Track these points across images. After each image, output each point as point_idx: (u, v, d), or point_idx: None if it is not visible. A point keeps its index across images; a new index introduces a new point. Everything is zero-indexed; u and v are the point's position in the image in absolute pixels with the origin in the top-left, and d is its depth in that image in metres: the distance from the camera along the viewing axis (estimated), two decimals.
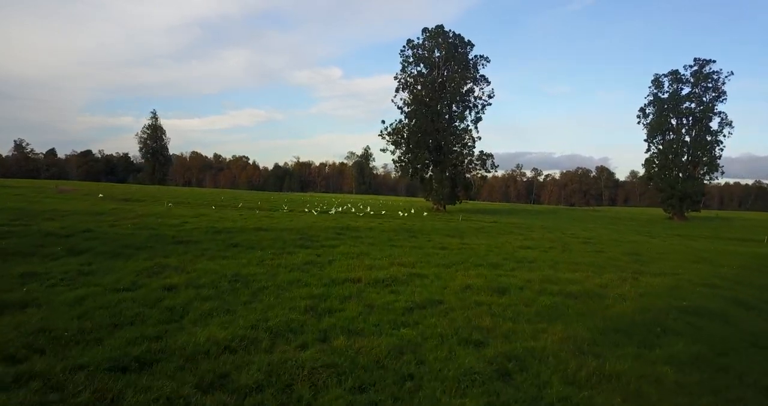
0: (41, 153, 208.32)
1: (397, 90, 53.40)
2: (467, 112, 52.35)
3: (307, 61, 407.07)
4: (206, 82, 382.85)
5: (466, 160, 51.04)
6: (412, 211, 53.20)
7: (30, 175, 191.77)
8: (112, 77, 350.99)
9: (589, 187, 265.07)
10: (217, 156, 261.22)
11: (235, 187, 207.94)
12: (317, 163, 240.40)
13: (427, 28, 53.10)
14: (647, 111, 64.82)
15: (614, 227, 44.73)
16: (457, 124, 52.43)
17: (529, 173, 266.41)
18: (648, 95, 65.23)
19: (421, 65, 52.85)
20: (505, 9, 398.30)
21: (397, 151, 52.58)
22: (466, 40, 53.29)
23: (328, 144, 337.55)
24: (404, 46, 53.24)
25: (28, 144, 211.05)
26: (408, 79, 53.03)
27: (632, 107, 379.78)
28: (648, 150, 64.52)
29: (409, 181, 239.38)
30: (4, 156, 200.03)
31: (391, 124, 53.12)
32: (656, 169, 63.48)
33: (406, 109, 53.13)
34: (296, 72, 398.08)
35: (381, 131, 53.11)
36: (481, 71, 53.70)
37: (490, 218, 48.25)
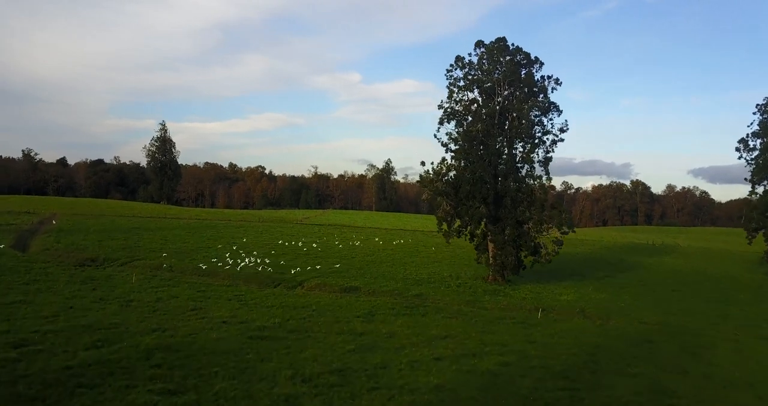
0: (53, 161, 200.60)
1: (441, 121, 41.27)
2: (535, 150, 40.06)
3: (326, 66, 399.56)
4: (227, 86, 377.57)
5: (534, 216, 38.71)
6: (457, 279, 41.12)
7: (37, 186, 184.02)
8: (135, 81, 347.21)
9: (624, 202, 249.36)
10: (232, 166, 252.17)
11: (250, 201, 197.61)
12: (335, 176, 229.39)
13: (483, 42, 40.97)
14: (752, 143, 51.52)
15: None
16: (521, 166, 40.14)
17: (558, 186, 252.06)
18: (754, 123, 51.94)
19: (476, 90, 40.71)
20: (525, 13, 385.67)
21: (443, 203, 40.56)
22: (533, 56, 41.10)
23: (347, 149, 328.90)
24: (451, 65, 41.15)
25: (36, 154, 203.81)
26: (457, 107, 40.93)
27: (654, 113, 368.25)
28: (753, 193, 51.20)
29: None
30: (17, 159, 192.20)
31: (432, 165, 41.09)
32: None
33: (453, 145, 41.08)
34: (315, 77, 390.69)
35: (421, 176, 41.18)
36: (552, 96, 41.49)
37: (584, 287, 35.14)
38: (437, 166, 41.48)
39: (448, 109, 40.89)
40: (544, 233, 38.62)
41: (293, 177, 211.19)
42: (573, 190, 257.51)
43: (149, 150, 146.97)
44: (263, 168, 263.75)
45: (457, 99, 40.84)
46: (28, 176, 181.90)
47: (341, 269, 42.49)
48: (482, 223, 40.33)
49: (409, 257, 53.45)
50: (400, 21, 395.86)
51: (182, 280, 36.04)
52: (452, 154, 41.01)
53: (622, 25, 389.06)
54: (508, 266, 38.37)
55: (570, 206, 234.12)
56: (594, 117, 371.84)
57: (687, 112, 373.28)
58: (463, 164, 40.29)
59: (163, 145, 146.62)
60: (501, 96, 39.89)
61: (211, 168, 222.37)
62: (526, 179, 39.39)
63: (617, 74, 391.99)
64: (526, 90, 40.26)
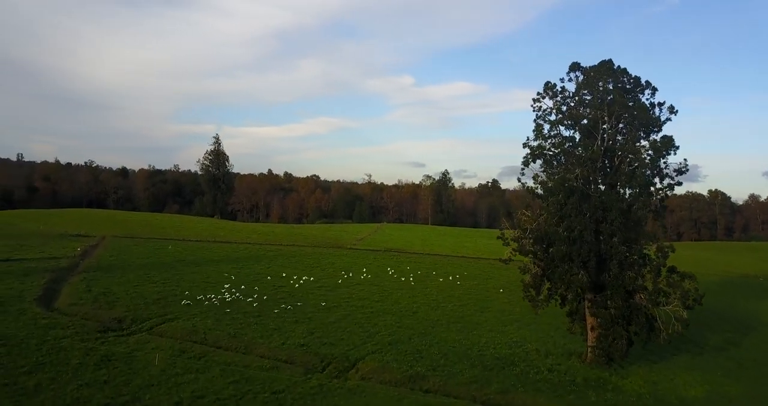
0: (117, 166, 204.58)
1: (525, 162, 33.56)
2: (648, 199, 31.76)
3: (379, 70, 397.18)
4: (282, 91, 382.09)
5: (648, 285, 30.49)
6: (547, 357, 33.27)
7: (98, 197, 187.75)
8: (195, 88, 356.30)
9: (701, 213, 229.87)
10: (287, 175, 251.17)
11: (304, 213, 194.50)
12: (388, 182, 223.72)
13: (579, 65, 32.98)
14: None
15: None
16: (631, 221, 31.85)
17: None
18: None
19: (572, 125, 32.83)
20: (583, 11, 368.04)
21: (530, 265, 32.95)
22: (642, 81, 32.81)
23: (399, 151, 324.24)
24: (539, 94, 33.43)
25: (98, 165, 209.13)
26: (546, 146, 33.18)
27: (722, 112, 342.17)
28: None
29: (492, 205, 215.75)
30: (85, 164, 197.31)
31: (516, 215, 33.52)
32: None
33: (540, 190, 33.40)
34: (368, 80, 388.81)
35: (501, 232, 33.73)
36: (665, 129, 33.06)
37: None
38: (521, 217, 33.90)
39: (536, 149, 33.14)
40: (662, 307, 30.21)
41: (347, 188, 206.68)
42: None
43: (203, 163, 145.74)
44: (317, 177, 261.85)
45: (548, 136, 33.07)
46: (91, 187, 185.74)
47: (402, 337, 35.54)
48: (580, 290, 32.38)
49: (479, 311, 45.89)
50: (453, 22, 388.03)
51: (214, 358, 30.12)
52: (541, 200, 33.33)
53: (686, 20, 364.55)
54: (616, 353, 30.27)
55: None
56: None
57: (759, 110, 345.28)
58: (556, 220, 32.42)
59: (217, 158, 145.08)
60: (605, 132, 31.79)
61: (266, 178, 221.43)
62: (638, 238, 31.06)
63: (679, 73, 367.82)
64: (636, 123, 32.02)
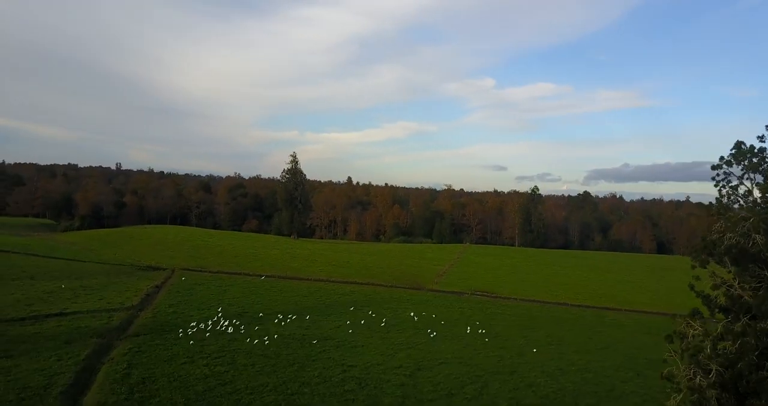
0: (199, 175, 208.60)
1: (700, 259, 22.80)
2: None
3: (458, 73, 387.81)
4: (362, 97, 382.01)
5: None
6: None
7: (181, 213, 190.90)
8: (277, 95, 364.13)
9: None
10: (366, 188, 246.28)
11: (381, 229, 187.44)
12: (468, 189, 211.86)
13: None
14: None
15: None
16: None
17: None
18: None
19: None
20: (672, 7, 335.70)
21: (707, 381, 22.09)
22: None
23: (479, 154, 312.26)
24: (722, 159, 22.45)
25: (187, 174, 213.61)
26: (730, 236, 22.20)
27: None
28: None
29: (584, 222, 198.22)
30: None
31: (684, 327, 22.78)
32: None
33: (723, 299, 22.51)
34: (447, 84, 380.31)
35: (667, 372, 23.12)
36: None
37: None
38: (685, 330, 23.10)
39: (716, 238, 22.23)
40: None
41: (426, 203, 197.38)
42: None
43: (280, 182, 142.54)
44: (395, 187, 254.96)
45: (735, 219, 22.08)
46: (175, 202, 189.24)
47: None
48: None
49: None
50: (535, 22, 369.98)
51: None
52: (723, 314, 22.44)
53: None
54: None
55: None
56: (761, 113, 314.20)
57: None
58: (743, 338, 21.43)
59: (294, 177, 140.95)
60: None
61: (344, 191, 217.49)
62: None
63: None
64: None
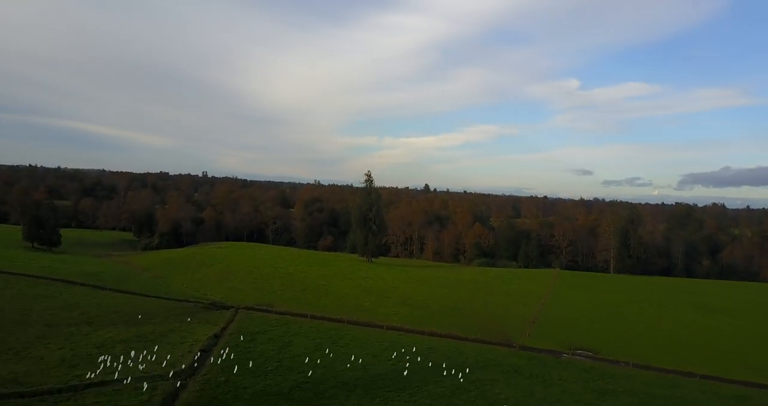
0: (282, 182, 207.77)
1: None
2: None
3: (541, 75, 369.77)
4: (442, 101, 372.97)
5: None
6: None
7: (258, 229, 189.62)
8: (359, 102, 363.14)
9: None
10: (443, 201, 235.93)
11: (461, 248, 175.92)
12: (552, 196, 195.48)
13: None
14: None
15: None
16: None
17: None
18: None
19: None
20: None
21: None
22: None
23: (562, 158, 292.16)
24: None
25: (269, 181, 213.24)
26: None
27: None
28: None
29: (689, 241, 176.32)
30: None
31: None
32: None
33: None
34: (530, 86, 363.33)
35: None
36: None
37: None
38: None
39: None
40: None
41: (509, 221, 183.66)
42: None
43: (354, 202, 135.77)
44: (474, 199, 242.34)
45: None
46: (252, 218, 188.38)
47: None
48: None
49: None
50: (623, 19, 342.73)
51: None
52: None
53: None
54: None
55: None
56: None
57: None
58: None
59: (368, 196, 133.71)
60: None
61: (420, 208, 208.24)
62: None
63: None
64: None
